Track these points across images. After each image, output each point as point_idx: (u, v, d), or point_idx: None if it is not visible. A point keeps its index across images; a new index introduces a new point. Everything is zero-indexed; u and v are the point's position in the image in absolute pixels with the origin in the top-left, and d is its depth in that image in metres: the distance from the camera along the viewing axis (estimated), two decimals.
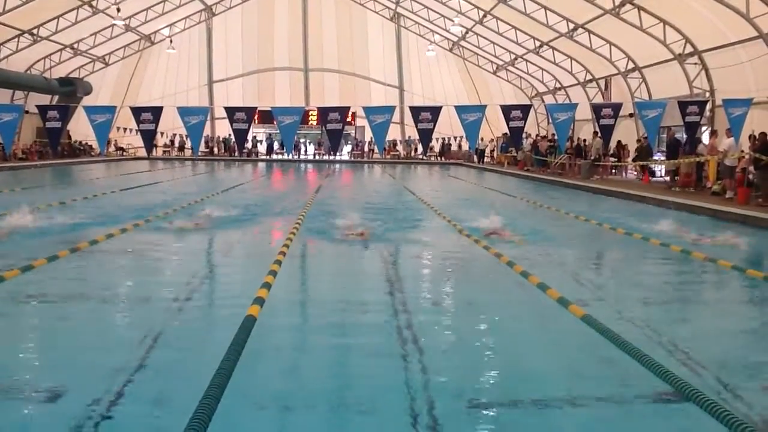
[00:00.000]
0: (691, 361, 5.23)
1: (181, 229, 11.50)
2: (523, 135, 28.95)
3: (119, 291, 7.51)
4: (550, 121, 25.03)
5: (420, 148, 42.36)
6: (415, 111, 19.40)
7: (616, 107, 21.46)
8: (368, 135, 41.91)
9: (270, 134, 46.30)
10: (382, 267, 8.90)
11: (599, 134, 23.93)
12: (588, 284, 8.28)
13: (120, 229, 11.28)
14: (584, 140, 30.94)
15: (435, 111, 19.12)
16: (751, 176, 17.65)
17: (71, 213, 13.42)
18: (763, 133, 16.86)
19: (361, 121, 39.56)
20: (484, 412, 4.30)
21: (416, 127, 19.16)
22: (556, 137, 27.57)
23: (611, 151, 28.68)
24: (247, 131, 20.19)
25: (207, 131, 43.08)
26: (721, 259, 9.31)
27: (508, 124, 20.14)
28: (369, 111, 19.76)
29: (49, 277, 7.81)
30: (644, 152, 25.11)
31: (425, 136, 19.45)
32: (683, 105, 20.41)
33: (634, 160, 26.87)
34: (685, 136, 22.62)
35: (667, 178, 24.20)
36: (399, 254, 9.99)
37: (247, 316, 5.75)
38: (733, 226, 13.44)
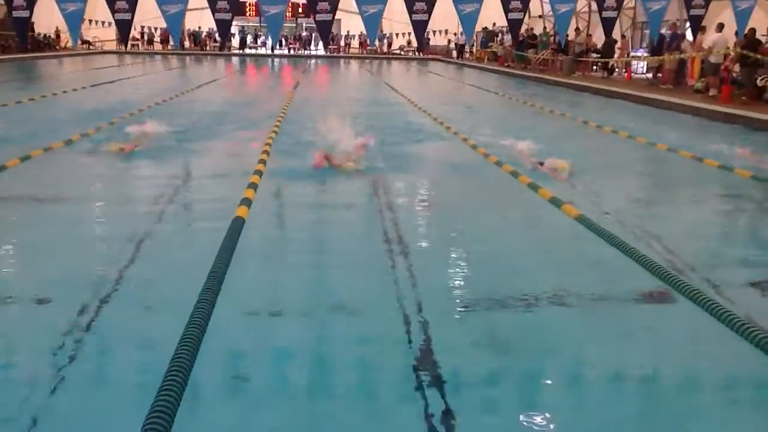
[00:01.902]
0: (674, 256, 5.26)
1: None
2: (504, 30, 28.16)
3: (95, 195, 7.22)
4: (552, 12, 24.10)
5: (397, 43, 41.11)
6: (410, 1, 18.52)
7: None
8: (344, 29, 40.46)
9: (243, 27, 44.53)
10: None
11: (581, 29, 23.31)
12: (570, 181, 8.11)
13: (63, 141, 9.88)
14: (566, 35, 30.19)
15: (431, 1, 18.26)
16: (735, 74, 17.46)
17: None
18: (752, 29, 16.56)
19: (338, 14, 38.02)
20: (474, 312, 4.27)
21: (410, 18, 18.35)
22: (537, 34, 26.83)
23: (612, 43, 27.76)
24: (230, 22, 19.21)
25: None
26: (706, 158, 9.27)
27: (507, 16, 19.42)
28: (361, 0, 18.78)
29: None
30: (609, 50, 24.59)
31: (420, 28, 18.71)
32: None
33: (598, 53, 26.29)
34: (679, 32, 22.11)
35: (649, 75, 23.91)
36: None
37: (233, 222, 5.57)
38: (716, 124, 13.38)
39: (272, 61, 39.80)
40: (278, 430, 3.07)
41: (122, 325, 3.98)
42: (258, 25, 41.36)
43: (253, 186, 6.88)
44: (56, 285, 4.50)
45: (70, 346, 3.67)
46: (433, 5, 18.00)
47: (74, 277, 4.65)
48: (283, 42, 46.13)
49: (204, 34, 44.38)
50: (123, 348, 3.74)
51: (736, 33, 18.05)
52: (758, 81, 16.42)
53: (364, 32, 37.68)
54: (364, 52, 43.10)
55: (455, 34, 39.43)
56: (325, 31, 19.58)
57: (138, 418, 2.65)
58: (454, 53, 39.98)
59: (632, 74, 25.49)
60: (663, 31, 23.04)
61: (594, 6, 26.53)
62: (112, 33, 37.48)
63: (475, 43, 41.48)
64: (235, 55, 43.01)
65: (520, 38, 33.10)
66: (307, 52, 43.65)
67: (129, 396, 3.24)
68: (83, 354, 3.63)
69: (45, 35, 39.48)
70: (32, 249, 5.23)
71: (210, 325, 3.54)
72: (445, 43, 41.81)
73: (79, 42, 40.58)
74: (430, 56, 42.57)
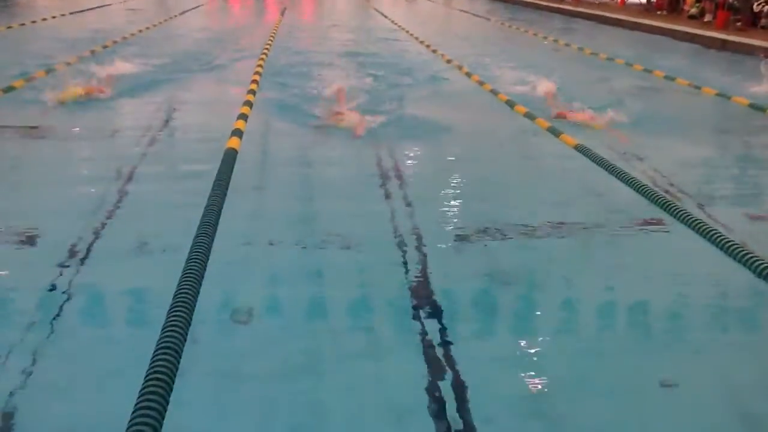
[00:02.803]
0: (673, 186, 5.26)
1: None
2: None
3: (85, 126, 6.99)
4: None
5: None
6: None
7: None
8: None
9: None
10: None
11: None
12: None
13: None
14: None
15: None
16: None
17: None
18: None
19: None
20: (471, 243, 4.24)
21: None
22: None
23: None
24: None
25: None
26: (705, 86, 9.15)
27: None
28: None
29: None
30: None
31: None
32: None
33: None
34: None
35: (644, 0, 23.36)
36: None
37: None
38: (711, 51, 13.16)
39: None
40: (278, 356, 3.06)
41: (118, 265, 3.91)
42: None
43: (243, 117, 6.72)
44: (47, 219, 4.41)
45: (66, 280, 3.61)
46: None
47: (67, 210, 4.58)
48: None
49: None
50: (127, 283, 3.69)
51: None
52: (754, 6, 16.10)
53: None
54: None
55: None
56: None
57: (143, 354, 2.64)
58: None
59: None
60: None
61: None
62: None
63: None
64: None
65: None
66: None
67: (132, 333, 3.21)
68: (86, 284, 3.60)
69: None
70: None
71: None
72: None
73: None
74: None
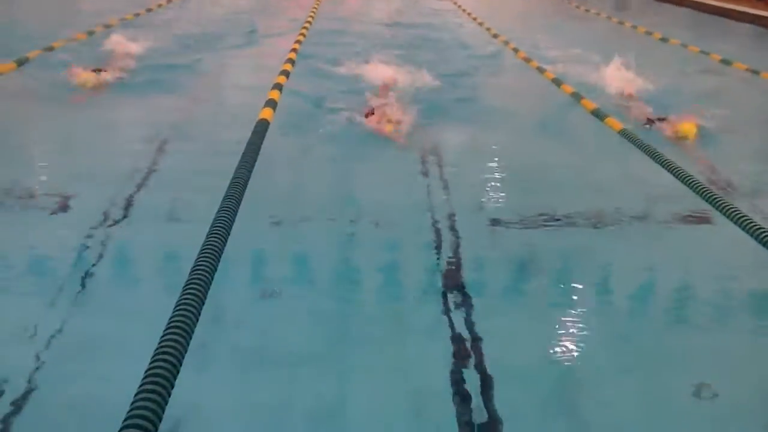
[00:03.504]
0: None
1: None
2: None
3: (120, 101, 6.76)
4: None
5: None
6: None
7: None
8: None
9: None
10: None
11: None
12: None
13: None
14: None
15: None
16: None
17: None
18: None
19: None
20: (507, 229, 4.09)
21: None
22: None
23: None
24: None
25: None
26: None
27: None
28: None
29: None
30: None
31: None
32: None
33: None
34: None
35: None
36: None
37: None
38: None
39: None
40: (303, 334, 3.03)
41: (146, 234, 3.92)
42: None
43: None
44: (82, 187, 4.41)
45: (97, 249, 3.64)
46: None
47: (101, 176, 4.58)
48: None
49: None
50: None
51: None
52: None
53: None
54: None
55: None
56: None
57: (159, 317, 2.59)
58: None
59: None
60: None
61: None
62: None
63: None
64: None
65: None
66: None
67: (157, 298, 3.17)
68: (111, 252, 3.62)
69: None
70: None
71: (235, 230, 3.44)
72: None
73: None
74: None
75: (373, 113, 5.76)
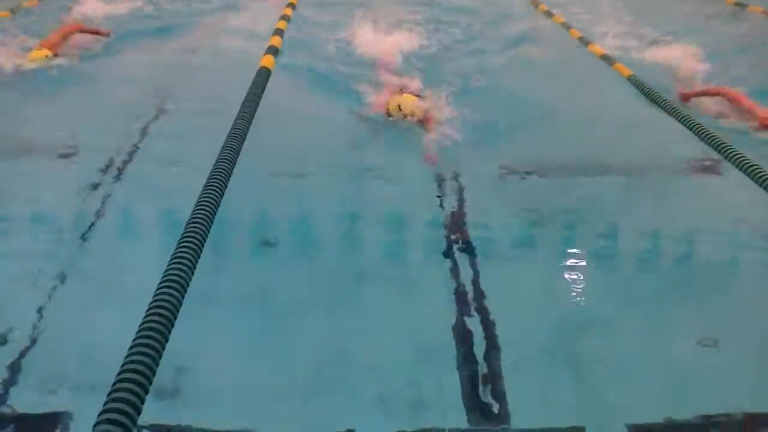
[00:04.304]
0: None
1: None
2: None
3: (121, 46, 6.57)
4: None
5: None
6: None
7: None
8: None
9: None
10: None
11: None
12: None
13: None
14: None
15: None
16: None
17: None
18: None
19: None
20: (515, 178, 4.05)
21: None
22: None
23: None
24: None
25: None
26: None
27: None
28: None
29: None
30: None
31: None
32: None
33: None
34: None
35: None
36: None
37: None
38: None
39: None
40: (306, 285, 3.01)
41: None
42: None
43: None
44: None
45: (101, 194, 3.67)
46: None
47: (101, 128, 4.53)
48: None
49: None
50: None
51: None
52: None
53: None
54: None
55: None
56: None
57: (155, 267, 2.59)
58: None
59: None
60: None
61: None
62: None
63: None
64: None
65: None
66: None
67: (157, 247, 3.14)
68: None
69: None
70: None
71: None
72: None
73: None
74: None
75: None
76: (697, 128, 4.41)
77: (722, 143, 4.16)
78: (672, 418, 2.36)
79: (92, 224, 3.42)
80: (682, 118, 4.59)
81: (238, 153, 3.61)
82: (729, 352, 2.70)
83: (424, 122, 4.58)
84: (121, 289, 2.95)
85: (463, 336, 2.72)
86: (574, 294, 3.06)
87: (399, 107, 4.60)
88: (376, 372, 2.55)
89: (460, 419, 2.34)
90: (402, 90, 4.95)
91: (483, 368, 2.56)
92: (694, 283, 3.20)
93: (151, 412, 2.14)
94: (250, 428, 2.27)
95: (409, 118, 4.58)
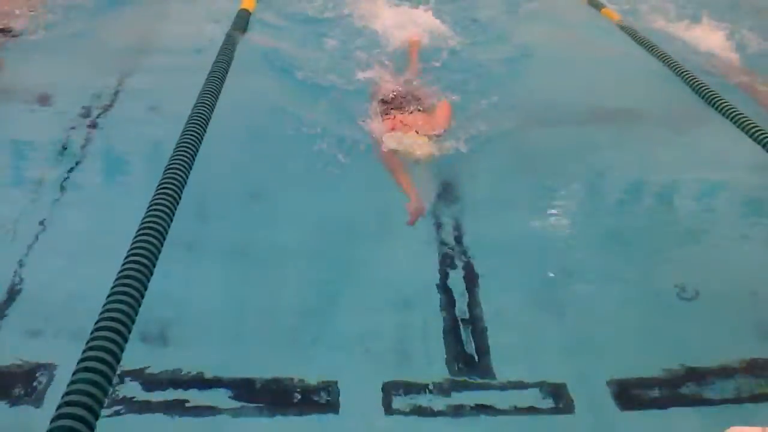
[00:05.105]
0: None
1: None
2: None
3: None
4: None
5: None
6: None
7: None
8: None
9: None
10: None
11: None
12: None
13: None
14: None
15: None
16: None
17: None
18: None
19: None
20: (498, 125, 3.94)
21: None
22: None
23: None
24: None
25: None
26: None
27: None
28: None
29: None
30: None
31: None
32: None
33: None
34: None
35: None
36: None
37: None
38: None
39: None
40: (290, 232, 2.99)
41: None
42: None
43: None
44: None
45: (82, 135, 3.60)
46: None
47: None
48: None
49: None
50: None
51: None
52: None
53: None
54: None
55: None
56: None
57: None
58: None
59: None
60: None
61: None
62: None
63: None
64: None
65: None
66: None
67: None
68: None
69: None
70: None
71: None
72: None
73: None
74: None
75: None
76: (686, 75, 4.35)
77: (710, 91, 4.13)
78: (654, 369, 2.39)
79: (71, 170, 3.35)
80: (671, 64, 4.52)
81: (217, 96, 3.51)
82: (710, 302, 2.72)
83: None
84: (103, 238, 2.89)
85: (446, 288, 2.72)
86: (556, 240, 3.06)
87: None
88: (360, 323, 2.55)
89: (443, 371, 2.36)
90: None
91: (466, 320, 2.57)
92: (677, 233, 3.19)
93: (137, 360, 2.16)
94: (236, 375, 2.28)
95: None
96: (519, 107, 4.15)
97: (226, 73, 3.89)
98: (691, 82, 4.27)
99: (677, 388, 2.35)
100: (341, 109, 3.99)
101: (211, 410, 2.17)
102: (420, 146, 3.35)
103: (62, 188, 3.22)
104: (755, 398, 2.30)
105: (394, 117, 3.64)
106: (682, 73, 4.39)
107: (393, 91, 3.95)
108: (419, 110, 3.73)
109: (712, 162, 3.75)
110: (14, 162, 3.48)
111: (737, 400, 2.31)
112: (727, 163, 3.71)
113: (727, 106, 3.90)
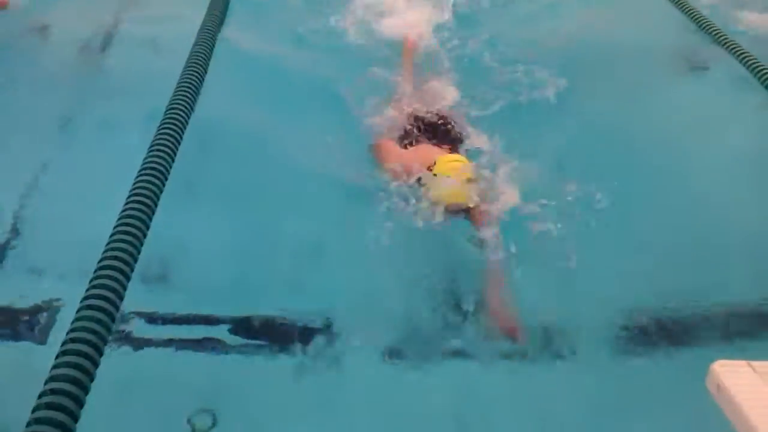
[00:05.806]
0: None
1: None
2: None
3: None
4: None
5: None
6: None
7: None
8: None
9: None
10: None
11: None
12: None
13: None
14: None
15: None
16: None
17: None
18: None
19: None
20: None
21: None
22: None
23: None
24: None
25: None
26: None
27: None
28: None
29: None
30: None
31: None
32: None
33: None
34: None
35: None
36: None
37: None
38: None
39: None
40: (282, 182, 2.95)
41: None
42: None
43: None
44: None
45: (80, 80, 3.58)
46: None
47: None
48: None
49: None
50: None
51: None
52: None
53: None
54: None
55: None
56: None
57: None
58: None
59: None
60: None
61: None
62: None
63: None
64: None
65: None
66: None
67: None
68: None
69: None
70: None
71: None
72: None
73: None
74: None
75: None
76: (691, 12, 4.25)
77: (715, 28, 4.04)
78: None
79: (72, 109, 3.33)
80: (680, 3, 4.38)
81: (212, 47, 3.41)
82: (708, 244, 2.74)
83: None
84: (106, 178, 2.86)
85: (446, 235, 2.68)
86: (550, 189, 2.94)
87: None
88: (359, 265, 2.56)
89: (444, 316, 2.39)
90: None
91: (468, 273, 2.59)
92: (675, 177, 3.11)
93: (139, 300, 2.18)
94: (237, 314, 2.31)
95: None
96: (515, 46, 4.04)
97: (226, 9, 3.79)
98: (695, 18, 4.20)
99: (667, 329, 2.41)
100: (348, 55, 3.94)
101: (212, 345, 2.22)
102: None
103: (62, 128, 3.21)
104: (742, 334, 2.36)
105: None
106: (688, 9, 4.30)
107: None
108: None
109: (713, 106, 3.68)
110: (14, 101, 3.39)
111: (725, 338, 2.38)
112: (728, 108, 3.65)
113: (734, 44, 3.84)
